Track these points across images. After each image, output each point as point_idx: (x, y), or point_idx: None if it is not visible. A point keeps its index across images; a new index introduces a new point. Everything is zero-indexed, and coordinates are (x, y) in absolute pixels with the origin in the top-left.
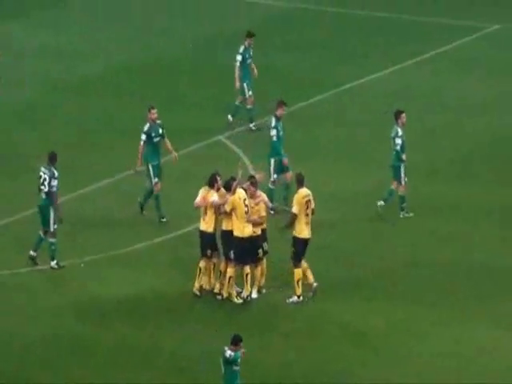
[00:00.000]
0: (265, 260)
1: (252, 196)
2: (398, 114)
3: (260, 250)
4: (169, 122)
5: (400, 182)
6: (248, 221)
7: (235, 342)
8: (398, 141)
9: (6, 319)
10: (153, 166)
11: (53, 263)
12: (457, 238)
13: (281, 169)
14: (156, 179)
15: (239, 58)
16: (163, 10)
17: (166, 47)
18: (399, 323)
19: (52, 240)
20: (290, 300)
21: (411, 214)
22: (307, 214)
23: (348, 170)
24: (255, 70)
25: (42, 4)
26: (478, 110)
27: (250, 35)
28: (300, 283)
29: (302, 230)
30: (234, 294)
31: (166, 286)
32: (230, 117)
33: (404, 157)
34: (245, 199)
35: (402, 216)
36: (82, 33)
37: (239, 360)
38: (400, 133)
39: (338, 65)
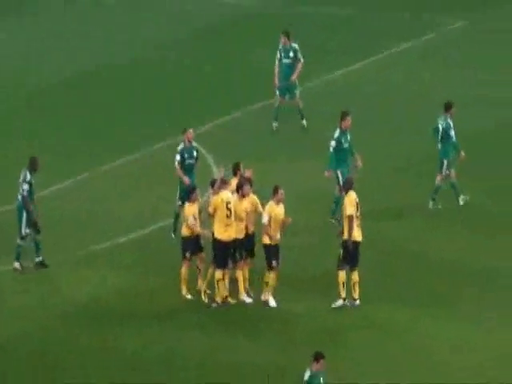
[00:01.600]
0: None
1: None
2: (448, 106)
3: (237, 254)
4: (132, 123)
5: (441, 172)
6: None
7: (317, 358)
8: (452, 132)
9: None
10: (181, 189)
11: (16, 264)
12: (425, 236)
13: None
14: (179, 202)
15: (278, 55)
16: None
17: (128, 48)
18: (373, 321)
19: (19, 242)
20: (336, 304)
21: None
22: (357, 217)
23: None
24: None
25: None
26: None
27: (284, 34)
28: (344, 286)
29: (355, 233)
30: (227, 295)
31: (129, 287)
32: (274, 124)
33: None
34: (228, 202)
35: (430, 206)
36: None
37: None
38: (451, 124)
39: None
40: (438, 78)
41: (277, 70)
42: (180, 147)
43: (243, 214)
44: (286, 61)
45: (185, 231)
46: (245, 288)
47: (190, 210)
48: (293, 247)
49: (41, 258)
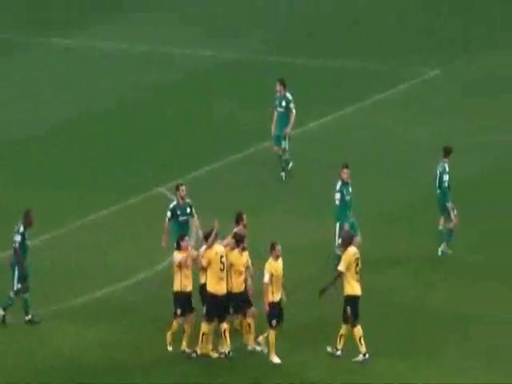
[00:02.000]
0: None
1: (232, 249)
2: (447, 151)
3: (231, 309)
4: (118, 173)
5: (449, 218)
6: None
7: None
8: (446, 177)
9: None
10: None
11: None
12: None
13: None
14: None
15: (274, 103)
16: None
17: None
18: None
19: (11, 295)
20: (356, 359)
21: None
22: (357, 272)
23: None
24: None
25: None
26: (420, 155)
27: (280, 82)
28: (362, 340)
29: (354, 288)
30: (210, 348)
31: (111, 341)
32: (282, 173)
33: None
34: (222, 256)
35: (440, 253)
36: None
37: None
38: (447, 169)
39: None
40: (423, 124)
41: (274, 117)
42: (172, 204)
43: (242, 268)
44: (279, 109)
45: (176, 286)
46: (254, 338)
47: (178, 256)
48: (291, 302)
49: (30, 317)
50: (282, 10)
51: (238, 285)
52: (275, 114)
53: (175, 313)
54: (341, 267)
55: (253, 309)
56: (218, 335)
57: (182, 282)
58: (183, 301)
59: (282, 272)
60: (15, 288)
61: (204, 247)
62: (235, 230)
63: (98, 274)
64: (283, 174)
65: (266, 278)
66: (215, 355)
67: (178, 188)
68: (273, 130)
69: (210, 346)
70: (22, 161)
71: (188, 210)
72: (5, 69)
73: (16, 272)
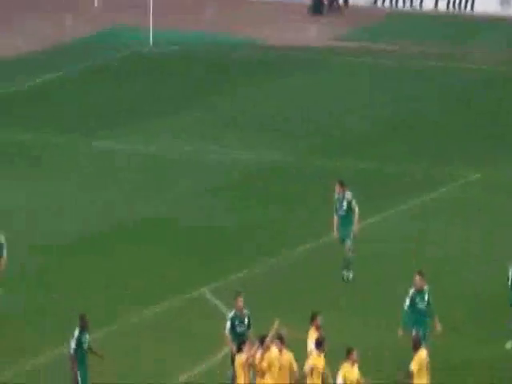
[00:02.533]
0: None
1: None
2: None
3: None
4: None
5: None
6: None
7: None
8: None
9: None
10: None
11: None
12: None
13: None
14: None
15: (334, 206)
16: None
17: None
18: None
19: None
20: None
21: None
22: (426, 376)
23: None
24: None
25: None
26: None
27: (339, 182)
28: None
29: None
30: None
31: None
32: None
33: None
34: (276, 358)
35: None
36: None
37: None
38: None
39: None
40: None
41: (335, 220)
42: (231, 314)
43: (320, 371)
44: (340, 213)
45: None
46: None
47: (242, 356)
48: None
49: None
50: None
51: None
52: (335, 217)
53: None
54: (412, 367)
55: None
56: None
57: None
58: None
59: (356, 378)
60: None
61: (260, 350)
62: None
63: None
64: (349, 274)
65: (340, 381)
66: None
67: (236, 298)
68: (335, 233)
69: None
70: None
71: (246, 321)
72: None
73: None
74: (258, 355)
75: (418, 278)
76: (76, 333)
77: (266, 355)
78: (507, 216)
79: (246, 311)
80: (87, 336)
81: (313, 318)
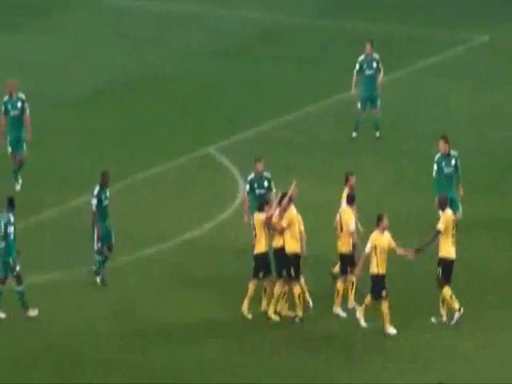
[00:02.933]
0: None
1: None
2: None
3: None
4: (159, 134)
5: None
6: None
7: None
8: None
9: None
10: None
11: (97, 279)
12: None
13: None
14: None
15: (357, 66)
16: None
17: (159, 60)
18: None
19: (96, 257)
20: (455, 318)
21: None
22: (453, 235)
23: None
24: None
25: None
26: (464, 123)
27: (369, 42)
28: (454, 297)
29: (450, 251)
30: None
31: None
32: (354, 133)
33: None
34: (297, 216)
35: None
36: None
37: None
38: None
39: (327, 78)
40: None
41: (354, 80)
42: (250, 177)
43: (352, 226)
44: (368, 72)
45: (260, 247)
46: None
47: (262, 215)
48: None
49: (100, 277)
50: None
51: (346, 243)
52: (356, 78)
53: (256, 275)
54: (440, 226)
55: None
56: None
57: (267, 243)
58: (267, 262)
59: (386, 246)
60: (95, 248)
61: (277, 210)
62: (345, 191)
63: (145, 233)
64: (377, 132)
65: (368, 249)
66: (291, 314)
67: (255, 162)
68: (355, 93)
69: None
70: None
71: (265, 184)
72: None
73: (95, 234)
74: (276, 214)
75: (441, 141)
76: (96, 190)
77: (286, 214)
78: None
79: (266, 173)
80: (107, 193)
81: (347, 179)
